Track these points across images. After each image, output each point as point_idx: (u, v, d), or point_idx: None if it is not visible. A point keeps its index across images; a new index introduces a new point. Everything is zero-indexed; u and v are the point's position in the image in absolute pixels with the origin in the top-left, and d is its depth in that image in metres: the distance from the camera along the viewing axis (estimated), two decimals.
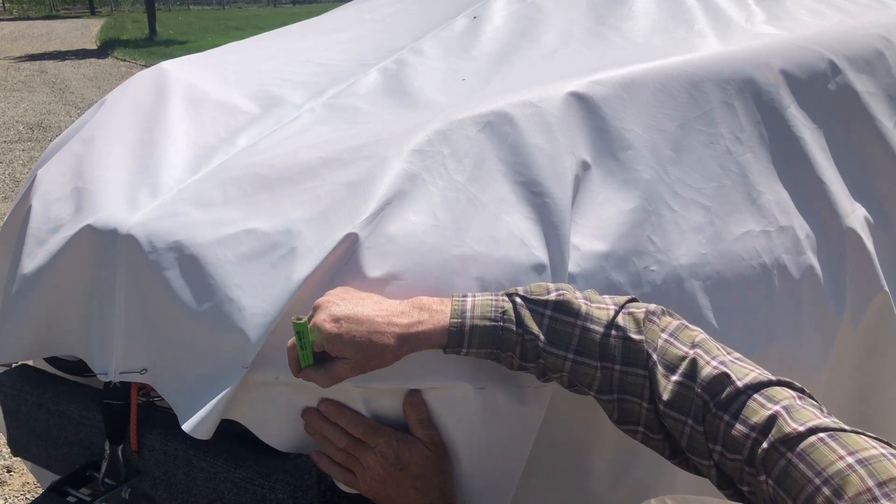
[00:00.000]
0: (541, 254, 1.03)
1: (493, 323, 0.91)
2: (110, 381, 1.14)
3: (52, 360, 1.36)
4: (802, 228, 1.22)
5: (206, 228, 1.07)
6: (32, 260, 1.18)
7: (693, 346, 0.89)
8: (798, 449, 0.75)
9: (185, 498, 1.15)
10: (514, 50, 1.46)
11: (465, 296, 0.95)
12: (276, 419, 1.06)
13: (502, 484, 1.04)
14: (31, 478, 2.51)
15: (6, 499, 2.47)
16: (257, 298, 1.01)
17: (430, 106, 1.27)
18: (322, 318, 0.91)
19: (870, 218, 1.29)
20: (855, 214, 1.27)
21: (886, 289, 1.26)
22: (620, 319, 0.91)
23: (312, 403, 1.03)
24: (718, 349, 0.89)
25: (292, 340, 0.94)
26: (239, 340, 1.00)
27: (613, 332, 0.90)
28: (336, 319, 0.91)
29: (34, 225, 1.22)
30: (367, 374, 0.97)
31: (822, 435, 0.75)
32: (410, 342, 0.91)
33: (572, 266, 1.04)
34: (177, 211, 1.11)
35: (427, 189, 1.08)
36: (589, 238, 1.07)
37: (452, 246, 1.03)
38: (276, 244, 1.04)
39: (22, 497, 2.47)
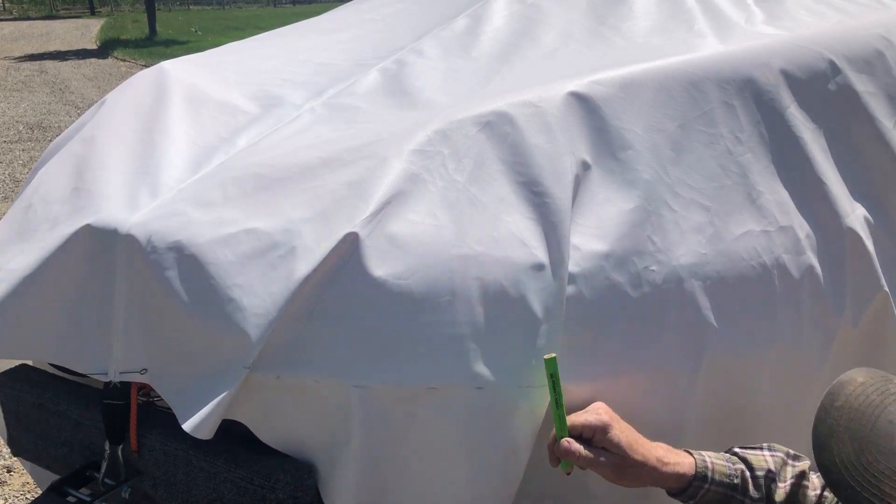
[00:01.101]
0: (540, 254, 1.03)
1: (727, 464, 1.03)
2: (110, 381, 1.14)
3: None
4: (802, 228, 1.22)
5: (206, 228, 1.07)
6: (33, 260, 1.18)
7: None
8: None
9: (185, 498, 1.15)
10: (515, 50, 1.46)
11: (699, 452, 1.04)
12: (277, 419, 1.06)
13: (503, 484, 1.04)
14: (31, 478, 2.51)
15: (6, 499, 2.46)
16: (257, 298, 1.01)
17: (430, 106, 1.27)
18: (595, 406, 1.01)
19: (870, 218, 1.29)
20: (855, 214, 1.27)
21: (886, 289, 1.26)
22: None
23: (312, 403, 1.03)
24: None
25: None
26: (239, 340, 1.00)
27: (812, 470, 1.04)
28: (607, 411, 1.01)
29: (34, 225, 1.22)
30: (366, 375, 0.97)
31: None
32: (666, 470, 1.00)
33: (573, 266, 1.04)
34: (177, 211, 1.11)
35: (427, 189, 1.08)
36: (589, 238, 1.07)
37: (452, 246, 1.03)
38: (276, 244, 1.04)
39: (22, 497, 2.47)
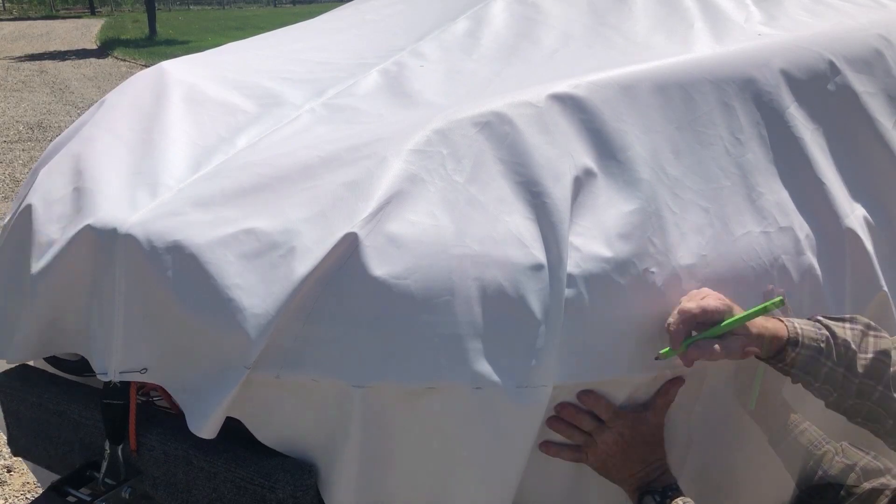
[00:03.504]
0: (539, 254, 1.03)
1: (814, 329, 1.08)
2: (110, 381, 1.14)
3: (52, 360, 1.36)
4: (802, 229, 1.22)
5: (206, 228, 1.08)
6: (32, 260, 1.18)
7: None
8: None
9: (185, 498, 1.15)
10: (515, 51, 1.46)
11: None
12: (277, 419, 1.06)
13: (502, 484, 1.04)
14: (31, 478, 2.51)
15: (6, 499, 2.47)
16: (257, 298, 1.01)
17: (430, 107, 1.27)
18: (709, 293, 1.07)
19: (869, 218, 1.29)
20: (854, 215, 1.27)
21: (885, 289, 1.26)
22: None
23: (312, 403, 1.04)
24: None
25: (700, 307, 1.02)
26: (239, 340, 1.00)
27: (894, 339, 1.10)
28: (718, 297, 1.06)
29: (34, 225, 1.22)
30: (366, 375, 0.97)
31: None
32: (768, 336, 1.05)
33: (573, 267, 1.04)
34: (176, 211, 1.11)
35: (426, 189, 1.08)
36: (589, 239, 1.07)
37: (451, 246, 1.03)
38: (275, 244, 1.04)
39: (22, 497, 2.47)
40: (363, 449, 1.03)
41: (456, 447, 1.02)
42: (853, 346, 1.07)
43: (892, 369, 1.06)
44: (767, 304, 1.06)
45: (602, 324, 1.05)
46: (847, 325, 1.09)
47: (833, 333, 1.07)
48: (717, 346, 1.03)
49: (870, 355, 1.07)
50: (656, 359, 1.03)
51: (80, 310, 1.16)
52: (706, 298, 1.05)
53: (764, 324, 1.06)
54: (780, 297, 1.06)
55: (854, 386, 1.07)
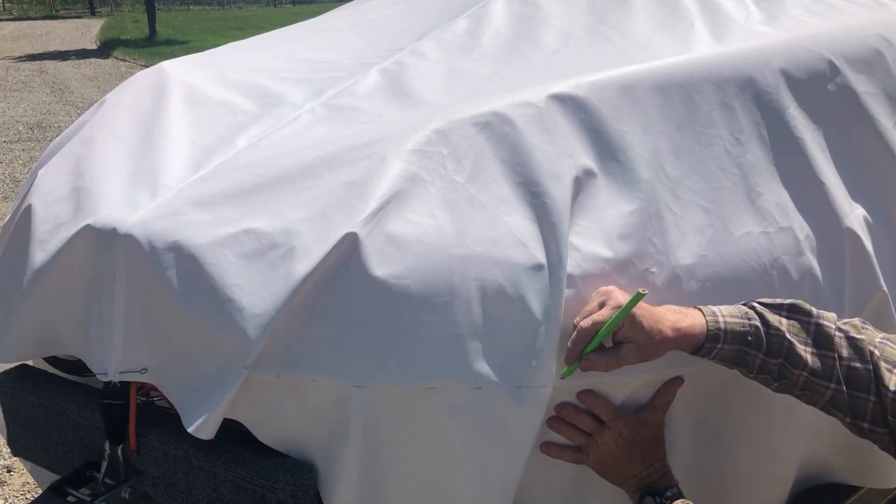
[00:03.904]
0: (539, 254, 1.03)
1: (741, 320, 1.03)
2: (110, 381, 1.14)
3: (51, 360, 1.36)
4: (802, 229, 1.22)
5: (206, 228, 1.08)
6: (32, 260, 1.18)
7: None
8: None
9: (185, 498, 1.15)
10: (515, 50, 1.46)
11: (706, 305, 1.04)
12: (277, 419, 1.06)
13: (502, 484, 1.04)
14: (31, 478, 2.51)
15: (6, 499, 2.47)
16: (257, 298, 1.01)
17: (430, 106, 1.27)
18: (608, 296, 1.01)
19: (869, 218, 1.29)
20: (854, 215, 1.27)
21: (885, 289, 1.26)
22: (842, 323, 1.04)
23: (312, 403, 1.03)
24: None
25: (590, 320, 0.98)
26: (239, 340, 1.00)
27: (839, 333, 1.03)
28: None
29: (34, 225, 1.22)
30: (366, 375, 0.97)
31: None
32: (679, 336, 1.01)
33: (573, 267, 1.04)
34: (176, 211, 1.11)
35: (426, 189, 1.08)
36: (589, 240, 1.07)
37: (451, 246, 1.03)
38: (275, 244, 1.04)
39: (22, 497, 2.47)
40: (363, 449, 1.03)
41: (456, 447, 1.02)
42: (788, 336, 1.02)
43: (848, 364, 1.02)
44: (630, 301, 0.99)
45: None
46: (784, 313, 1.04)
47: (766, 322, 1.03)
48: (609, 358, 1.00)
49: (810, 349, 1.02)
50: (562, 378, 1.01)
51: (78, 310, 1.16)
52: (603, 307, 1.00)
53: (677, 323, 1.01)
54: (639, 292, 0.98)
55: (799, 378, 1.03)
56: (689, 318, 1.03)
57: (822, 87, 1.35)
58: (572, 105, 1.18)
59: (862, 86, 1.39)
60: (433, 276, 1.01)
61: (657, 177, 1.15)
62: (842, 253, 1.24)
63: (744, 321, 1.03)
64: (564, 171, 1.10)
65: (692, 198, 1.16)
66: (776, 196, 1.22)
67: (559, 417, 1.06)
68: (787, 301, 1.06)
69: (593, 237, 1.08)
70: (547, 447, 1.07)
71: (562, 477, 1.12)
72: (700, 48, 1.37)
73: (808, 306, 1.05)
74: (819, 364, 1.03)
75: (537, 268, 1.03)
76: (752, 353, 1.03)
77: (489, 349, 1.00)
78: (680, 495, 1.05)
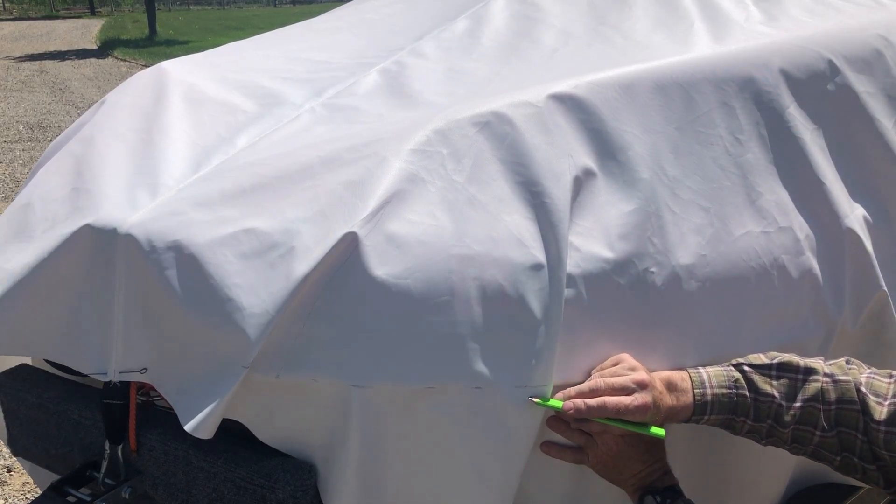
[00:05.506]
0: (539, 254, 1.03)
1: (729, 390, 1.04)
2: (110, 381, 1.14)
3: (51, 360, 1.36)
4: (802, 229, 1.22)
5: (206, 228, 1.08)
6: (32, 259, 1.18)
7: (891, 376, 1.03)
8: None
9: (185, 498, 1.15)
10: (514, 50, 1.46)
11: (698, 369, 1.06)
12: (276, 419, 1.06)
13: (502, 484, 1.04)
14: (31, 478, 2.51)
15: (6, 499, 2.47)
16: (257, 298, 1.01)
17: (430, 106, 1.27)
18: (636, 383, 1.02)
19: (869, 218, 1.29)
20: (854, 214, 1.27)
21: (885, 288, 1.26)
22: (827, 367, 1.06)
23: (312, 403, 1.04)
24: None
25: (617, 406, 1.00)
26: (238, 340, 1.00)
27: (825, 379, 1.04)
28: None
29: (34, 224, 1.22)
30: (366, 375, 0.97)
31: None
32: (666, 418, 1.03)
33: (573, 267, 1.04)
34: (176, 211, 1.11)
35: (426, 189, 1.08)
36: (589, 239, 1.07)
37: (451, 246, 1.03)
38: (275, 243, 1.04)
39: (22, 497, 2.47)
40: (363, 449, 1.03)
41: (455, 447, 1.02)
42: (778, 398, 1.03)
43: (837, 408, 1.02)
44: (650, 430, 1.01)
45: (602, 324, 1.05)
46: (773, 373, 1.05)
47: (755, 388, 1.04)
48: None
49: (797, 404, 1.03)
50: (539, 402, 1.01)
51: (79, 310, 1.16)
52: (634, 394, 1.00)
53: (666, 402, 1.02)
54: (659, 433, 1.02)
55: (787, 434, 1.04)
56: (673, 396, 1.03)
57: (821, 86, 1.35)
58: (572, 105, 1.18)
59: (862, 86, 1.39)
60: (433, 275, 1.01)
61: (657, 176, 1.15)
62: (842, 253, 1.24)
63: (731, 391, 1.04)
64: (564, 171, 1.10)
65: (692, 197, 1.16)
66: (776, 196, 1.22)
67: (559, 417, 1.06)
68: (776, 360, 1.06)
69: (593, 237, 1.08)
70: (547, 447, 1.08)
71: (562, 477, 1.12)
72: (700, 48, 1.37)
73: (796, 361, 1.06)
74: (807, 415, 1.03)
75: (537, 268, 1.03)
76: (740, 420, 1.04)
77: (489, 349, 1.00)
78: (680, 495, 1.05)
